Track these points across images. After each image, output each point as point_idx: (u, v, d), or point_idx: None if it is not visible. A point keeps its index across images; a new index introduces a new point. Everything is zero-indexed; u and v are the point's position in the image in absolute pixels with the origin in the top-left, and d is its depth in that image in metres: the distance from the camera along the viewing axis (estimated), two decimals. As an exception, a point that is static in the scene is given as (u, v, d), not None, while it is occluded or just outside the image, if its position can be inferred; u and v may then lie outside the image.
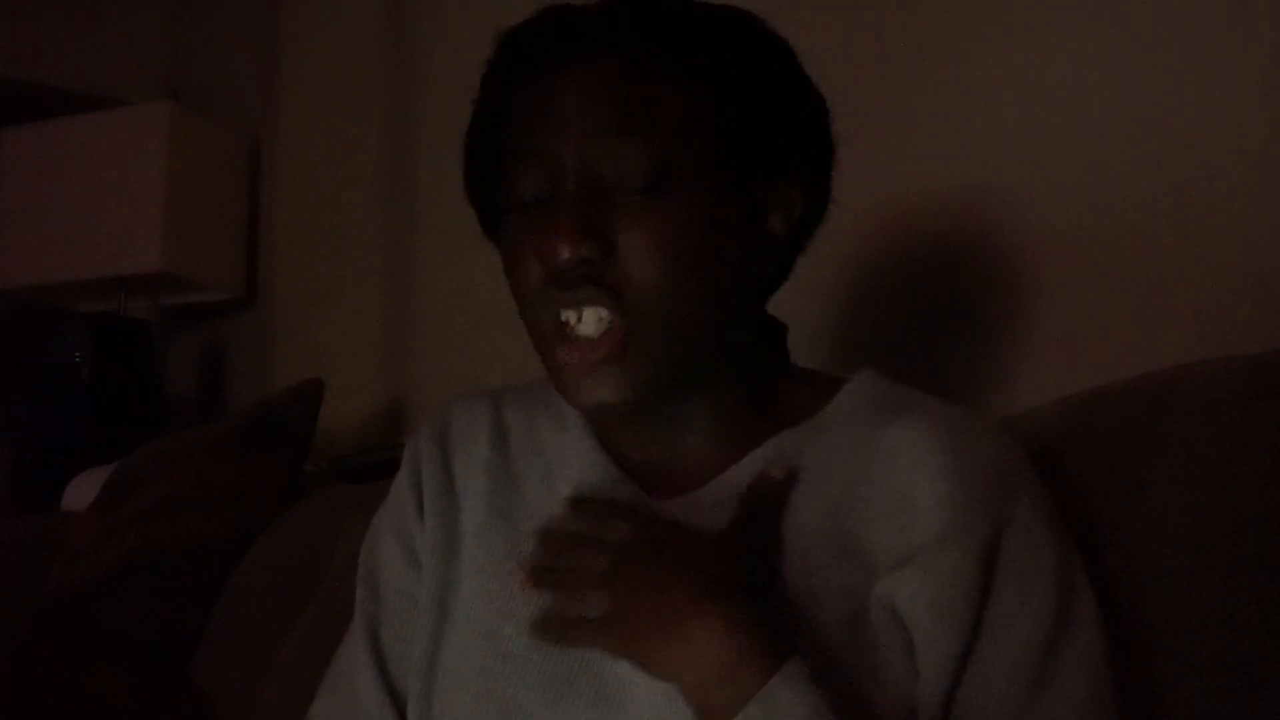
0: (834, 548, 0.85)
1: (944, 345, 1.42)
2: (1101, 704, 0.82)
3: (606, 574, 0.82)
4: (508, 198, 0.89)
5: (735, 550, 0.84)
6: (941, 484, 0.84)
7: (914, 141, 1.48)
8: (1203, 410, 0.91)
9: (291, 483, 1.81)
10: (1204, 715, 0.83)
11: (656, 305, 0.85)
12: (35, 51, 2.82)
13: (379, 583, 1.00)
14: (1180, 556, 0.88)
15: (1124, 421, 0.96)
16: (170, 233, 2.46)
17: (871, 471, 0.87)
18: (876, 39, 1.54)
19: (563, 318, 0.86)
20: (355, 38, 2.49)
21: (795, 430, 0.91)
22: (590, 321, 0.85)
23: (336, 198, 2.48)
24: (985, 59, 1.44)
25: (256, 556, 1.72)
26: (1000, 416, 1.08)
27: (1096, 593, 0.85)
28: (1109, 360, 1.17)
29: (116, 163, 2.50)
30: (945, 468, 0.84)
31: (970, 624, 0.82)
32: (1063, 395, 1.06)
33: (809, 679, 0.78)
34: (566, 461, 0.95)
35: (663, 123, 0.85)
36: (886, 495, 0.85)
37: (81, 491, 2.10)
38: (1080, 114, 1.35)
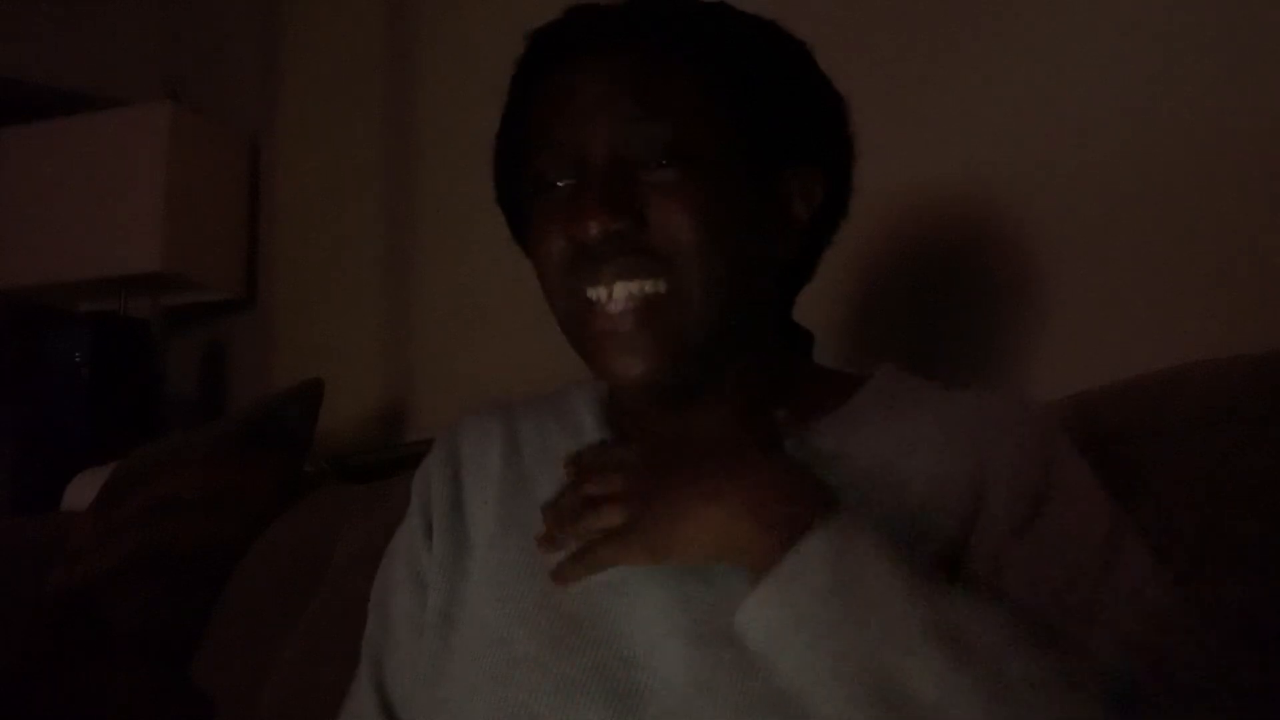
0: None
1: (953, 341, 1.42)
2: (1166, 592, 0.81)
3: (618, 491, 0.81)
4: (534, 185, 0.91)
5: (748, 443, 0.84)
6: (983, 455, 0.85)
7: (923, 137, 1.48)
8: (1204, 409, 0.91)
9: (291, 483, 1.81)
10: (1204, 711, 0.83)
11: (692, 268, 0.86)
12: (35, 51, 2.82)
13: (389, 609, 1.01)
14: (1181, 553, 0.88)
15: (1125, 420, 0.96)
16: (170, 233, 2.46)
17: (899, 462, 0.87)
18: (888, 33, 1.54)
19: (590, 295, 0.87)
20: (355, 38, 2.49)
21: (818, 424, 0.91)
22: (620, 299, 0.87)
23: (336, 197, 2.48)
24: (998, 54, 1.44)
25: (256, 556, 1.72)
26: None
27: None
28: (1115, 358, 1.17)
29: (116, 163, 2.50)
30: (985, 432, 0.86)
31: (1025, 503, 0.82)
32: (1066, 393, 1.06)
33: (863, 515, 0.77)
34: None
35: (682, 107, 0.88)
36: (925, 481, 0.86)
37: (81, 491, 2.10)
38: (1089, 112, 1.36)
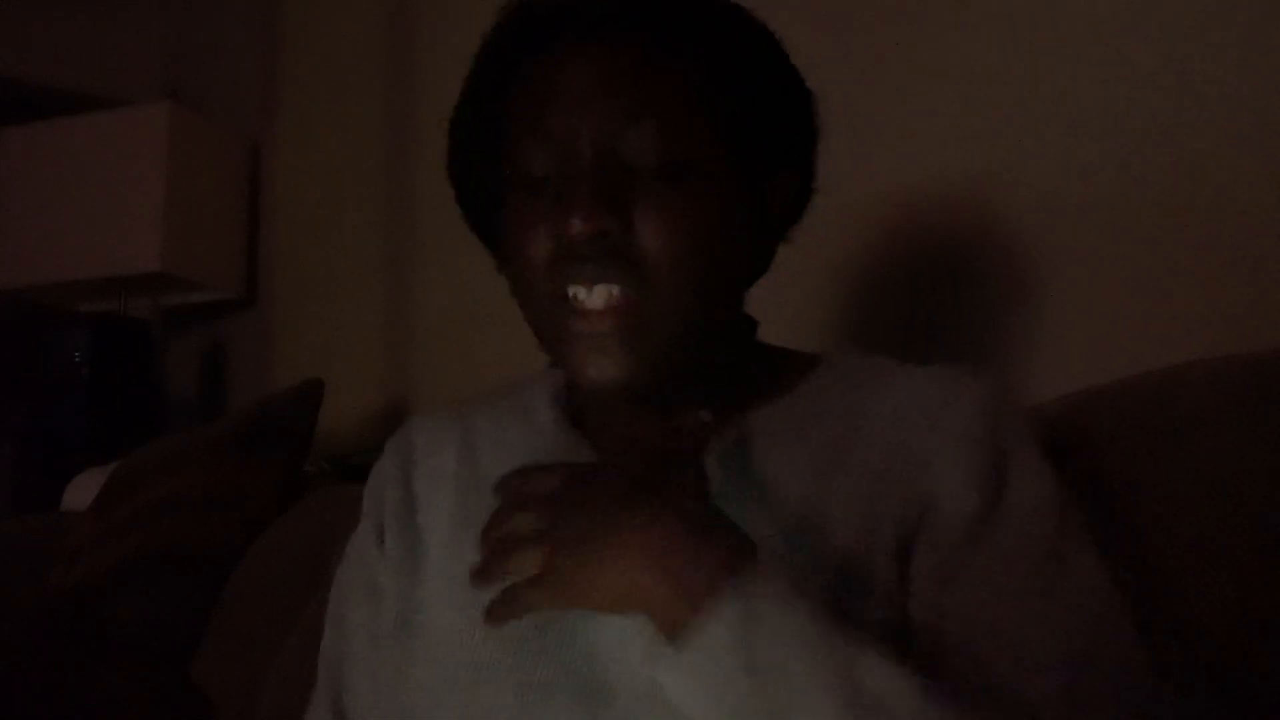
0: (821, 515, 0.85)
1: (953, 341, 1.42)
2: (1112, 607, 0.81)
3: (539, 530, 0.78)
4: (513, 174, 0.88)
5: (667, 479, 0.80)
6: (936, 420, 0.85)
7: (916, 136, 1.48)
8: (1203, 409, 0.91)
9: (291, 483, 1.81)
10: (1199, 711, 0.83)
11: (671, 284, 0.84)
12: (35, 51, 2.82)
13: (344, 621, 0.99)
14: (1180, 553, 0.88)
15: (1125, 419, 0.96)
16: (170, 233, 2.46)
17: (858, 437, 0.87)
18: (882, 30, 1.54)
19: (570, 292, 0.85)
20: (355, 38, 2.49)
21: (772, 406, 0.91)
22: (600, 297, 0.85)
23: (336, 198, 2.48)
24: (996, 53, 1.44)
25: (256, 556, 1.72)
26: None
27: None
28: (1112, 358, 1.17)
29: (116, 163, 2.50)
30: (938, 410, 0.85)
31: (970, 506, 0.82)
32: (1066, 393, 1.06)
33: (778, 571, 0.75)
34: (540, 459, 0.93)
35: (675, 108, 0.86)
36: (878, 452, 0.85)
37: (81, 491, 2.10)
38: (1084, 108, 1.36)
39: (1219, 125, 1.25)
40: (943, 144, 1.47)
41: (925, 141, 1.48)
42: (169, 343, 2.75)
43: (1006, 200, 1.40)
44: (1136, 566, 0.89)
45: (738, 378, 0.93)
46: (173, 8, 2.91)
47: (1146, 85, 1.31)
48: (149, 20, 2.92)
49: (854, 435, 0.87)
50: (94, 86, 2.81)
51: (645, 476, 0.80)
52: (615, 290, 0.84)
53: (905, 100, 1.50)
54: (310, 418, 1.85)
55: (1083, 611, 0.80)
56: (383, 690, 0.94)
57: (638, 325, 0.85)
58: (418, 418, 1.03)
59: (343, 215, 2.47)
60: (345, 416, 2.21)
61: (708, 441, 0.85)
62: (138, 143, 2.50)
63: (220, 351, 2.75)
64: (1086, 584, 0.81)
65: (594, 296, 0.85)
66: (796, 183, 0.93)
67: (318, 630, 1.44)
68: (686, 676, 0.74)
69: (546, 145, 0.86)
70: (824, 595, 0.80)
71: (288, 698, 1.41)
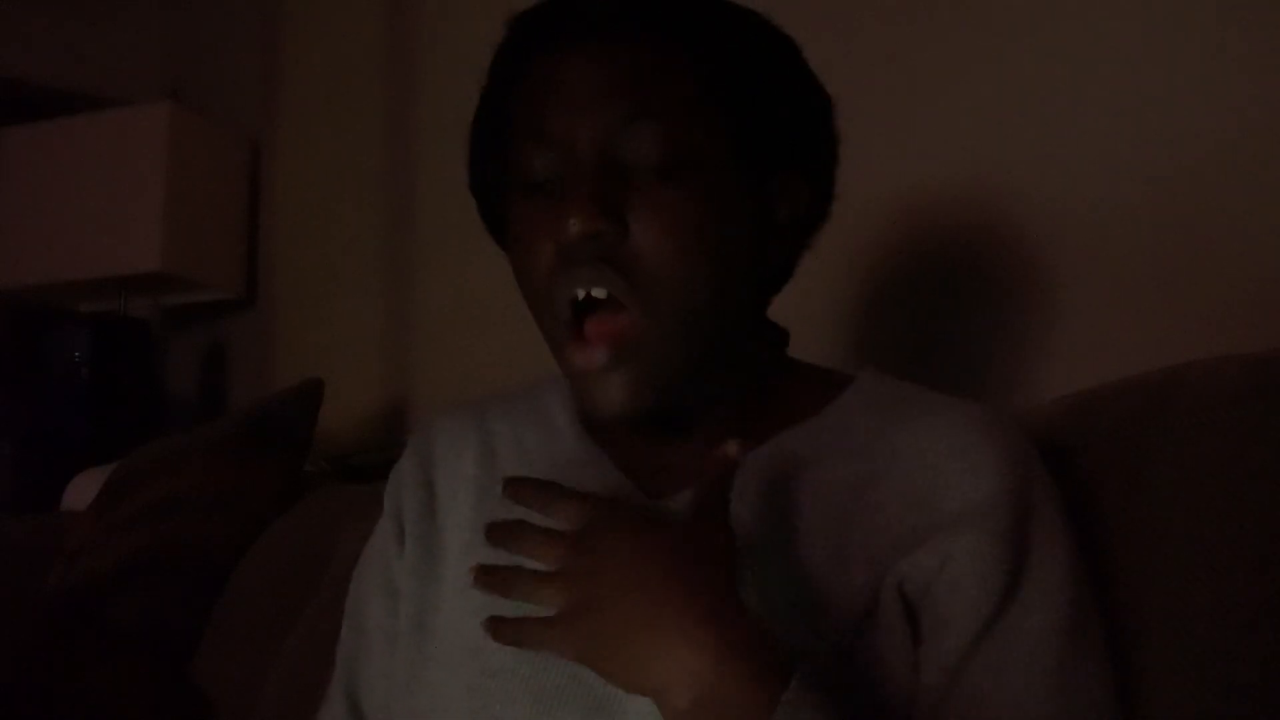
0: (841, 552, 0.83)
1: (955, 341, 1.42)
2: (1110, 691, 0.82)
3: (561, 565, 0.75)
4: (516, 178, 0.88)
5: (708, 540, 0.77)
6: (960, 478, 0.83)
7: (923, 139, 1.48)
8: (1202, 409, 0.91)
9: (291, 483, 1.81)
10: (1198, 711, 0.83)
11: (669, 288, 0.83)
12: (35, 51, 2.82)
13: (362, 619, 0.99)
14: (1179, 553, 0.88)
15: (1124, 419, 0.96)
16: (170, 233, 2.46)
17: (882, 475, 0.85)
18: (888, 33, 1.54)
19: (572, 294, 0.84)
20: (355, 38, 2.49)
21: (797, 430, 0.89)
22: (603, 292, 0.84)
23: (336, 198, 2.48)
24: (1000, 54, 1.44)
25: (256, 556, 1.72)
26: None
27: (1096, 586, 0.86)
28: (1112, 358, 1.17)
29: (116, 163, 2.50)
30: (963, 466, 0.84)
31: (987, 606, 0.81)
32: (1065, 392, 1.06)
33: (813, 704, 0.72)
34: (561, 468, 0.93)
35: (676, 109, 0.85)
36: (901, 496, 0.84)
37: (81, 491, 2.10)
38: (1088, 112, 1.36)
39: (1219, 126, 1.25)
40: (943, 146, 1.47)
41: (925, 144, 1.48)
42: (169, 343, 2.75)
43: (1006, 201, 1.40)
44: (1135, 566, 0.89)
45: (762, 393, 0.92)
46: (173, 8, 2.91)
47: (1147, 86, 1.31)
48: (149, 20, 2.92)
49: (878, 476, 0.85)
50: (94, 86, 2.81)
51: (690, 544, 0.76)
52: (613, 294, 0.83)
53: (906, 102, 1.50)
54: (310, 418, 1.85)
55: (1088, 695, 0.81)
56: (397, 690, 0.93)
57: (636, 349, 0.84)
58: (436, 416, 1.02)
59: (343, 215, 2.47)
60: (345, 416, 2.21)
61: (733, 477, 0.81)
62: (138, 143, 2.50)
63: (220, 351, 2.75)
64: (1094, 673, 0.82)
65: (596, 293, 0.84)
66: (805, 183, 0.91)
67: (318, 630, 1.44)
68: None
69: (545, 148, 0.86)
70: (834, 639, 0.80)
71: (288, 698, 1.41)
